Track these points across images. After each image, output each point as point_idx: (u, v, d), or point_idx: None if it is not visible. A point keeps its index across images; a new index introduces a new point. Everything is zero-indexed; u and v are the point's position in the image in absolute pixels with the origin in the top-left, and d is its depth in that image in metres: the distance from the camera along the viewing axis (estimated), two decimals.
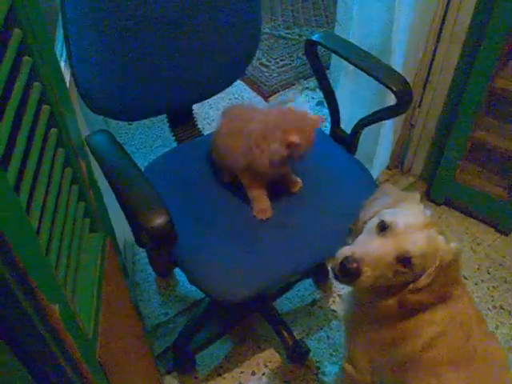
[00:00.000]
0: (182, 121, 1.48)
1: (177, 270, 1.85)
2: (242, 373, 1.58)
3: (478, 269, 1.92)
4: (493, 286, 1.86)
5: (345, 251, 0.88)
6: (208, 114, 2.63)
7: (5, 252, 0.50)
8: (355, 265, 0.85)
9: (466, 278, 1.88)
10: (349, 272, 0.86)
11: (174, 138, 1.50)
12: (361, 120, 1.32)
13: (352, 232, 1.02)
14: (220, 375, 1.58)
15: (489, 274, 1.91)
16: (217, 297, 1.10)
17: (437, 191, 2.16)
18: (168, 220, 0.90)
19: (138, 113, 1.36)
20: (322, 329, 1.71)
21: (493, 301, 1.81)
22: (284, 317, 1.67)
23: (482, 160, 2.00)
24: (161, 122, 2.52)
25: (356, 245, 0.90)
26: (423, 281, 0.89)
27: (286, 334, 1.58)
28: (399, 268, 0.86)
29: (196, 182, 1.30)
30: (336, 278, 0.92)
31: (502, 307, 1.78)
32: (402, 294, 0.92)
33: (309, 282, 1.87)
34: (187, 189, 1.29)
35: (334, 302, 1.80)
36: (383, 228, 0.88)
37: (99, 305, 0.83)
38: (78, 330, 0.71)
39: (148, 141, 2.47)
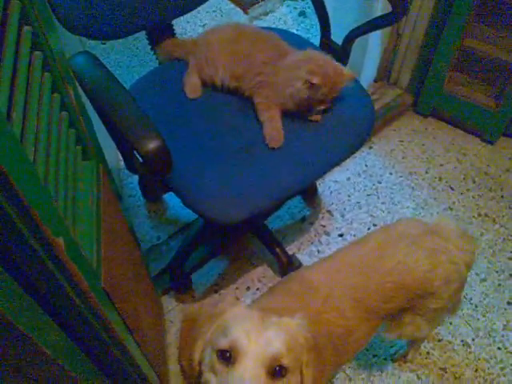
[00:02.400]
0: (162, 38, 1.39)
1: (166, 194, 1.85)
2: (237, 289, 1.63)
3: (464, 178, 1.96)
4: (478, 195, 1.90)
5: None
6: (185, 29, 2.50)
7: (5, 185, 0.47)
8: None
9: (452, 189, 1.92)
10: None
11: (155, 56, 1.42)
12: (353, 30, 1.26)
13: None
14: (216, 292, 1.63)
15: (474, 183, 1.94)
16: (212, 218, 1.09)
17: (424, 103, 2.13)
18: (162, 144, 0.87)
19: (116, 30, 1.27)
20: (312, 243, 1.75)
21: (478, 209, 1.86)
22: (276, 234, 1.70)
23: (471, 69, 1.96)
24: (136, 41, 2.39)
25: None
26: (307, 378, 0.78)
27: (278, 250, 1.62)
28: (277, 382, 0.72)
29: (186, 102, 1.25)
30: None
31: (486, 215, 1.84)
32: None
33: (298, 199, 1.88)
34: (177, 109, 1.24)
35: (323, 217, 1.83)
36: (228, 357, 0.72)
37: (99, 233, 0.82)
38: (83, 260, 0.70)
39: (124, 61, 2.35)
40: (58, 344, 0.67)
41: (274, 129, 1.18)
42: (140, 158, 0.89)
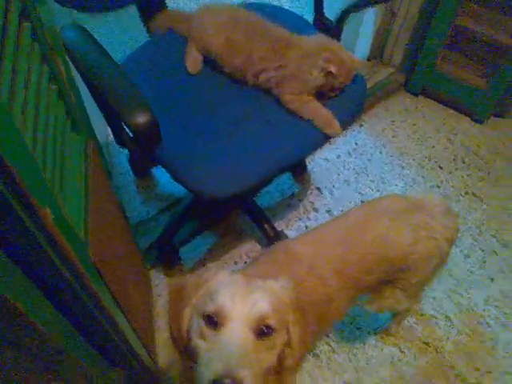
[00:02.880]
0: (154, 10, 1.37)
1: (155, 170, 1.85)
2: (225, 263, 1.65)
3: (454, 158, 1.98)
4: (467, 174, 1.93)
5: (211, 372, 0.68)
6: (177, 3, 2.46)
7: None
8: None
9: (441, 168, 1.94)
10: None
11: (146, 31, 1.40)
12: (346, 7, 1.25)
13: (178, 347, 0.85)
14: (204, 266, 1.64)
15: (463, 162, 1.96)
16: (201, 193, 1.10)
17: (416, 81, 2.14)
18: (152, 117, 0.87)
19: (105, 2, 1.25)
20: (300, 219, 1.77)
21: (466, 188, 1.88)
22: (264, 210, 1.71)
23: (463, 48, 1.96)
24: (127, 14, 2.34)
25: (211, 361, 0.70)
26: (295, 337, 0.79)
27: (267, 226, 1.63)
28: (263, 341, 0.74)
29: (177, 77, 1.25)
30: None
31: (474, 194, 1.86)
32: (279, 367, 0.81)
33: (287, 175, 1.89)
34: (168, 83, 1.23)
35: (311, 194, 1.84)
36: (215, 321, 0.73)
37: (87, 207, 0.83)
38: (71, 232, 0.70)
39: (115, 35, 2.31)
40: (48, 316, 0.68)
41: (324, 117, 1.18)
42: (129, 132, 0.89)
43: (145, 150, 1.09)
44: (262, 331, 0.73)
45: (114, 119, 1.09)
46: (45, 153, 0.67)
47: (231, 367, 0.67)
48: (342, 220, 1.09)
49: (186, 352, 0.81)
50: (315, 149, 1.24)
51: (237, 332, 0.72)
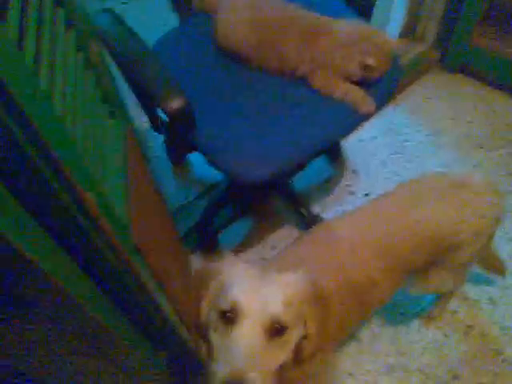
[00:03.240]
0: None
1: (191, 156, 1.86)
2: (262, 247, 1.65)
3: (493, 136, 1.91)
4: (507, 153, 1.86)
5: (220, 375, 0.69)
6: None
7: (36, 141, 0.48)
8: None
9: (481, 147, 1.87)
10: None
11: (177, 13, 1.40)
12: None
13: (201, 340, 0.86)
14: (242, 252, 1.64)
15: (503, 140, 1.89)
16: (237, 177, 1.09)
17: (451, 58, 2.07)
18: (186, 102, 0.87)
19: None
20: (337, 203, 1.74)
21: (506, 167, 1.81)
22: (301, 194, 1.70)
23: (500, 21, 1.88)
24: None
25: (222, 360, 0.72)
26: (311, 329, 0.78)
27: (303, 210, 1.62)
28: (276, 340, 0.73)
29: (209, 61, 1.24)
30: None
31: None
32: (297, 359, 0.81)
33: (323, 158, 1.87)
34: (200, 68, 1.23)
35: (348, 177, 1.82)
36: (228, 318, 0.73)
37: (128, 191, 0.83)
38: (114, 216, 0.71)
39: (145, 20, 2.31)
40: (93, 297, 0.69)
41: (357, 95, 1.15)
42: (164, 117, 0.89)
43: (180, 135, 1.09)
44: (275, 330, 0.73)
45: (149, 105, 1.09)
46: (86, 140, 0.68)
47: (241, 370, 0.67)
48: (385, 200, 1.07)
49: (206, 340, 0.81)
50: (351, 130, 1.22)
51: (248, 332, 0.71)
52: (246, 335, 0.71)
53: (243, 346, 0.70)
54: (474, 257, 1.08)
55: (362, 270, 0.95)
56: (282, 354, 0.75)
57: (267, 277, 0.78)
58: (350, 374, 1.36)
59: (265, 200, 1.76)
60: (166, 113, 0.86)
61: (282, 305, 0.74)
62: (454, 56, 2.05)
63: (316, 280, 0.81)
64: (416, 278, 1.11)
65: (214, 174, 1.78)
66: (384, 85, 1.21)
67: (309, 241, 1.03)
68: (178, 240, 1.38)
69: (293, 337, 0.76)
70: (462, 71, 2.12)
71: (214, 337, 0.76)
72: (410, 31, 2.18)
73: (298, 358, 0.80)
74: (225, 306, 0.73)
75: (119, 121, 0.88)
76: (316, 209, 1.72)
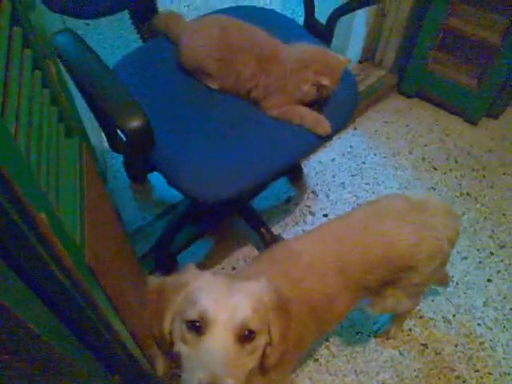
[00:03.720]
0: (146, 17, 1.37)
1: (151, 176, 1.84)
2: (222, 268, 1.64)
3: (447, 159, 1.98)
4: (460, 175, 1.93)
5: (197, 380, 0.69)
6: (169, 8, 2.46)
7: None
8: None
9: (435, 169, 1.94)
10: None
11: (138, 35, 1.40)
12: (337, 9, 1.26)
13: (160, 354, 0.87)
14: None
15: (457, 163, 1.97)
16: (199, 198, 1.09)
17: (408, 83, 2.15)
18: (146, 122, 0.86)
19: (97, 8, 1.25)
20: (297, 224, 1.76)
21: (460, 188, 1.89)
22: (261, 214, 1.71)
23: (455, 49, 1.98)
24: (120, 21, 2.35)
25: (196, 368, 0.71)
26: (275, 335, 0.79)
27: (263, 230, 1.63)
28: (246, 346, 0.74)
29: (169, 81, 1.24)
30: None
31: (468, 194, 1.87)
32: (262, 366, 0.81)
33: (284, 180, 1.89)
34: (161, 88, 1.23)
35: (308, 198, 1.84)
36: (198, 327, 0.74)
37: (83, 211, 0.82)
38: (67, 236, 0.70)
39: (108, 41, 2.32)
40: (43, 320, 0.67)
41: (312, 118, 1.17)
42: (123, 137, 0.89)
43: (139, 154, 1.08)
44: (245, 336, 0.74)
45: (107, 124, 1.08)
46: (39, 158, 0.67)
47: (216, 376, 0.67)
48: (344, 219, 1.09)
49: (170, 353, 0.80)
50: (311, 152, 1.24)
51: (220, 339, 0.72)
52: (218, 342, 0.71)
53: (216, 352, 0.70)
54: (429, 278, 1.11)
55: (319, 286, 0.96)
56: (251, 360, 0.76)
57: (233, 285, 0.79)
58: None
59: (225, 220, 1.76)
60: (124, 132, 0.85)
61: (250, 311, 0.74)
62: (411, 81, 2.14)
63: (277, 288, 0.82)
64: (374, 298, 1.13)
65: (174, 195, 1.77)
66: (342, 109, 1.25)
67: (268, 258, 1.03)
68: (136, 261, 1.36)
69: (261, 343, 0.77)
70: (418, 96, 2.21)
71: (183, 348, 0.75)
72: (369, 57, 2.26)
73: (262, 366, 0.81)
74: (193, 316, 0.73)
75: (75, 139, 0.87)
76: (276, 229, 1.74)
